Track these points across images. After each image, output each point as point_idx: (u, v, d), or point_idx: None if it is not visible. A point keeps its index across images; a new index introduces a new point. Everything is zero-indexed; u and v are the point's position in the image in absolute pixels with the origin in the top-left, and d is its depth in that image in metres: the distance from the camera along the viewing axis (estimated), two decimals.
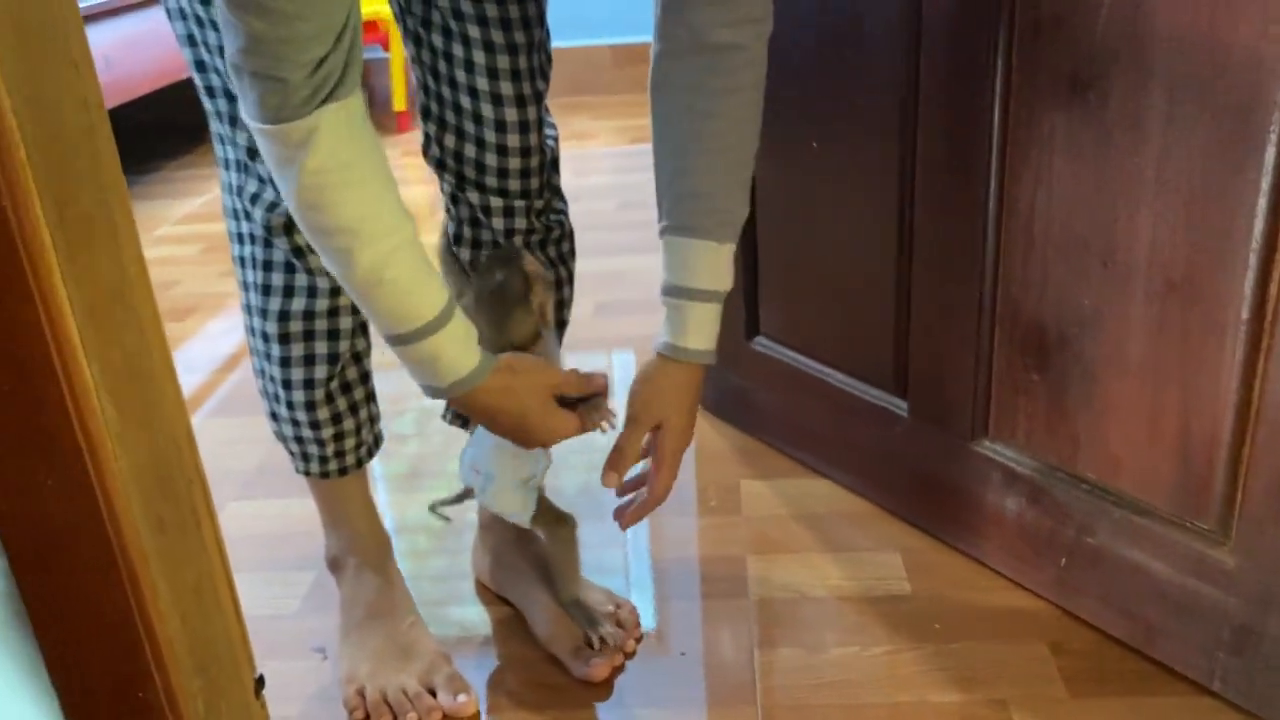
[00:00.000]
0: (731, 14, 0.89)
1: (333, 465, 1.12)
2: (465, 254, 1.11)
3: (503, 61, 1.01)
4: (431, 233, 1.14)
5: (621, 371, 1.83)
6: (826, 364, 1.41)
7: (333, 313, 1.03)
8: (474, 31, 0.99)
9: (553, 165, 1.11)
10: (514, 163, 1.05)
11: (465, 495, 1.14)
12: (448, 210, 1.12)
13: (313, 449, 1.10)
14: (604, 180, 2.82)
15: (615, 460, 0.98)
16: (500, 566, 1.24)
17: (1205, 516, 1.02)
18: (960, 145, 1.13)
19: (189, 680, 0.81)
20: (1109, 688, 1.08)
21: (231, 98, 0.93)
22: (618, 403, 1.01)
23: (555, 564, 1.13)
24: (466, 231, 1.11)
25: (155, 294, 0.79)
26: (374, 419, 1.14)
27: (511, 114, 1.03)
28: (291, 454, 1.12)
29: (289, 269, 1.01)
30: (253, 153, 0.95)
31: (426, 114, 1.06)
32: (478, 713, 1.10)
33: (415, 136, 2.10)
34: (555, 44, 1.11)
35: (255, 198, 0.98)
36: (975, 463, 1.23)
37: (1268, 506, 0.96)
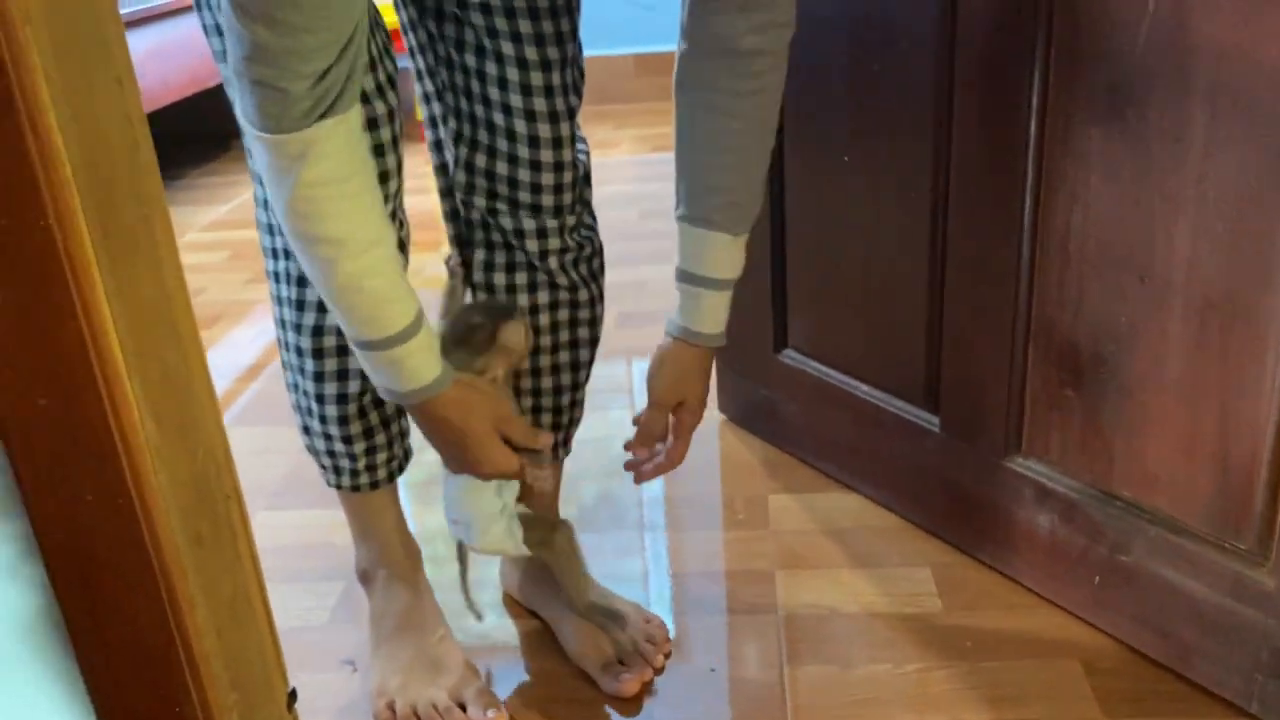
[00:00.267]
0: (756, 20, 0.91)
1: (364, 479, 1.12)
2: (500, 278, 1.10)
3: (536, 78, 1.01)
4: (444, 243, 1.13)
5: (641, 381, 1.82)
6: (856, 377, 1.40)
7: None
8: (508, 49, 0.99)
9: (584, 180, 1.11)
10: (547, 178, 1.05)
11: (463, 556, 1.14)
12: (470, 241, 1.11)
13: (344, 463, 1.10)
14: (626, 189, 2.82)
15: (643, 438, 1.08)
16: (530, 581, 1.23)
17: (1244, 536, 1.01)
18: (995, 159, 1.12)
19: (225, 695, 0.81)
20: (1144, 708, 1.07)
21: None
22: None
23: (561, 575, 1.12)
24: (499, 257, 1.10)
25: None
26: (405, 433, 1.14)
27: (545, 130, 1.03)
28: (323, 468, 1.12)
29: None
30: None
31: (458, 137, 1.05)
32: None
33: None
34: None
35: None
36: (1007, 479, 1.22)
37: None
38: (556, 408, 1.17)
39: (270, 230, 1.02)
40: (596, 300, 1.16)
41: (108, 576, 0.73)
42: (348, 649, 1.22)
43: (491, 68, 1.00)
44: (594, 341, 1.17)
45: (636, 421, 1.08)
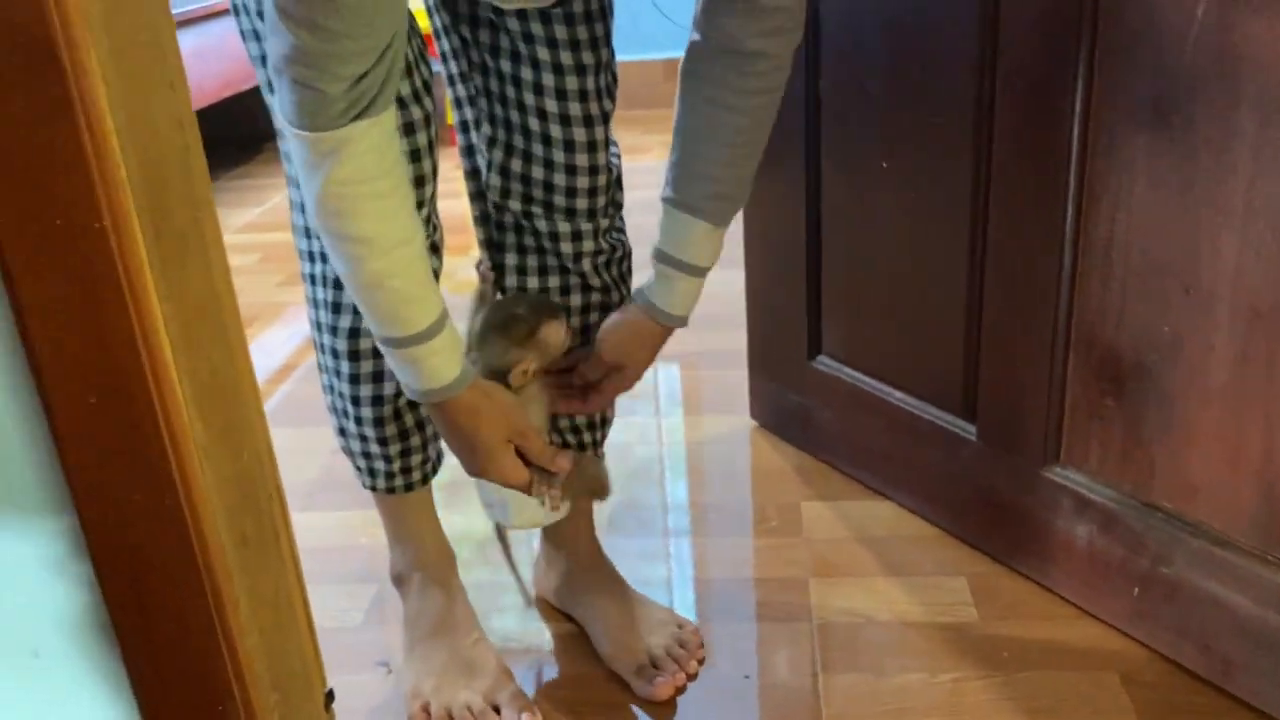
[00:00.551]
0: (765, 24, 0.92)
1: (399, 481, 1.12)
2: (534, 282, 1.11)
3: (571, 83, 1.01)
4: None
5: (666, 385, 1.82)
6: (891, 384, 1.40)
7: None
8: (544, 54, 1.00)
9: (616, 183, 1.11)
10: (582, 182, 1.05)
11: (503, 536, 1.14)
12: (502, 245, 1.12)
13: (379, 464, 1.10)
14: (654, 194, 2.81)
15: (576, 377, 1.08)
16: (568, 585, 1.23)
17: None
18: (1037, 167, 1.11)
19: (266, 695, 0.81)
20: None
21: None
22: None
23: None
24: (532, 261, 1.11)
25: None
26: (438, 435, 1.14)
27: (580, 134, 1.03)
28: (358, 469, 1.13)
29: None
30: None
31: (492, 142, 1.06)
32: None
33: None
34: None
35: None
36: (1046, 489, 1.21)
37: None
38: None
39: (306, 234, 1.03)
40: (626, 302, 1.16)
41: (155, 575, 0.74)
42: (382, 650, 1.23)
43: (527, 73, 1.01)
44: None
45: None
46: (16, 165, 0.63)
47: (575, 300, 1.11)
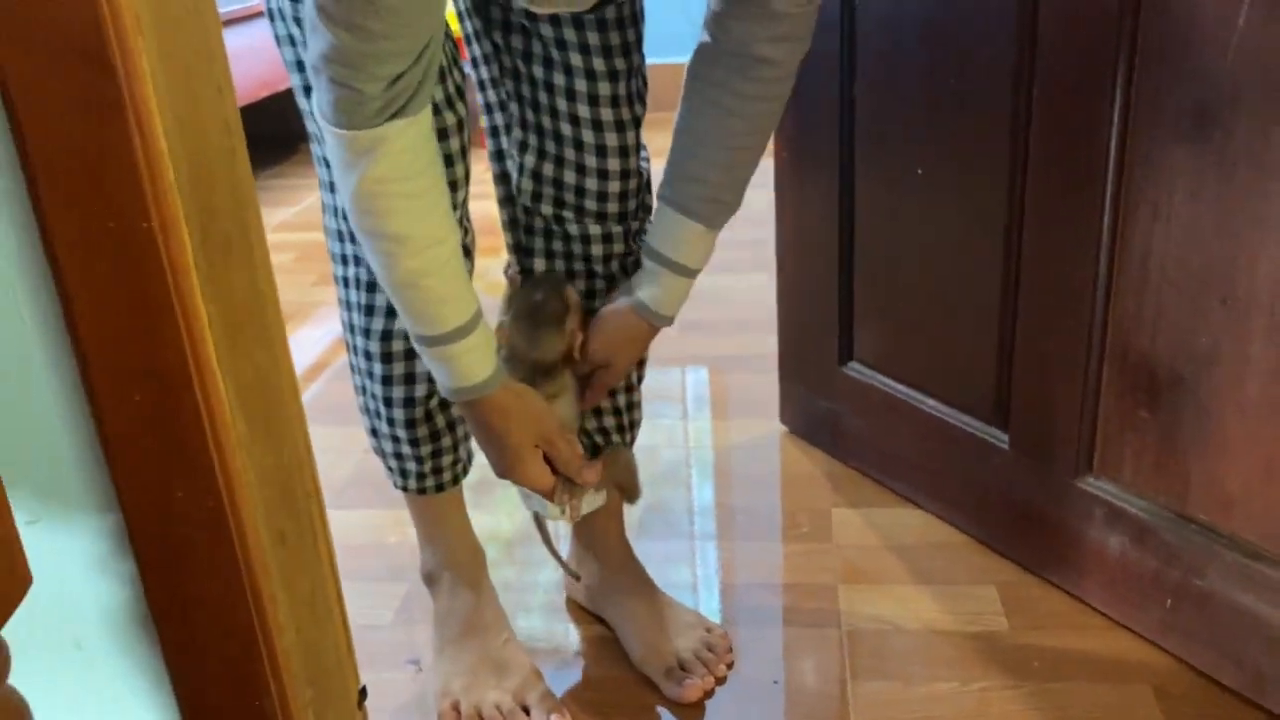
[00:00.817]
0: (774, 30, 0.93)
1: (430, 482, 1.13)
2: (579, 285, 1.11)
3: (604, 88, 1.02)
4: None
5: (695, 389, 1.83)
6: (923, 392, 1.39)
7: None
8: (576, 60, 1.01)
9: (646, 187, 1.12)
10: (614, 186, 1.06)
11: (540, 524, 1.15)
12: (530, 249, 1.13)
13: (411, 465, 1.11)
14: None
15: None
16: (598, 586, 1.24)
17: None
18: (1073, 176, 1.11)
19: (302, 691, 0.82)
20: None
21: None
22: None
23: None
24: (559, 265, 1.12)
25: None
26: (469, 436, 1.15)
27: (612, 139, 1.04)
28: (390, 470, 1.14)
29: None
30: None
31: (524, 147, 1.07)
32: None
33: None
34: None
35: None
36: (1078, 499, 1.20)
37: None
38: (615, 408, 1.18)
39: (339, 237, 1.04)
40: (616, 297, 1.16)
41: (195, 572, 0.75)
42: (412, 648, 1.24)
43: (559, 79, 1.02)
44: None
45: None
46: (69, 167, 0.64)
47: (600, 303, 1.12)
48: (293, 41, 0.95)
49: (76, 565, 0.78)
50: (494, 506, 1.47)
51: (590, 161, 1.05)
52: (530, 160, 1.07)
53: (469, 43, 1.08)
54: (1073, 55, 1.08)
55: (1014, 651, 1.18)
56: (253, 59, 2.86)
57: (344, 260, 1.05)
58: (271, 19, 0.97)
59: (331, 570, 0.89)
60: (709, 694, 1.14)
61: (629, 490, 1.19)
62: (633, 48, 1.03)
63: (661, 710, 1.14)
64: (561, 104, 1.03)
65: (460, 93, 0.99)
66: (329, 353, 2.08)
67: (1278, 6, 0.90)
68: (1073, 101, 1.09)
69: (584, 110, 1.03)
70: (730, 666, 1.18)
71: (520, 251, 1.13)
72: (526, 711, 1.10)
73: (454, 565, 1.17)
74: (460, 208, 1.01)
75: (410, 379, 1.06)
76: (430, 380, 1.07)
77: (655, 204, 1.03)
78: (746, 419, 1.70)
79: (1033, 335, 1.21)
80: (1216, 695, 1.10)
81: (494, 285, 1.16)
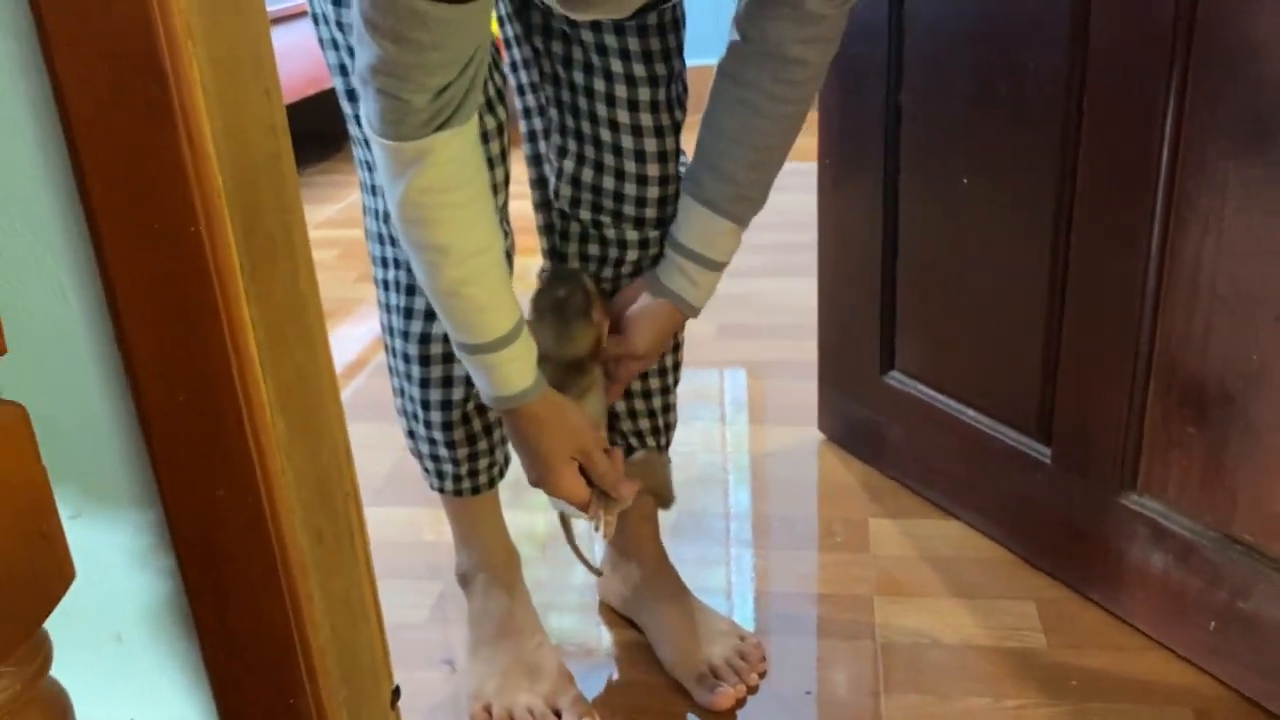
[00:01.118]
0: (807, 32, 0.93)
1: (466, 484, 1.14)
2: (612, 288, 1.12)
3: (644, 94, 1.02)
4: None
5: (733, 393, 1.82)
6: (964, 403, 1.38)
7: None
8: (616, 66, 1.01)
9: None
10: (653, 191, 1.06)
11: (565, 523, 1.15)
12: (564, 254, 1.13)
13: (447, 467, 1.12)
14: None
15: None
16: (632, 591, 1.24)
17: None
18: (1124, 186, 1.09)
19: (336, 689, 0.83)
20: None
21: None
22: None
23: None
24: (593, 269, 1.12)
25: None
26: (505, 439, 1.15)
27: (651, 145, 1.04)
28: (426, 471, 1.15)
29: None
30: None
31: (563, 152, 1.07)
32: None
33: None
34: None
35: None
36: (1121, 516, 1.18)
37: None
38: (650, 410, 1.18)
39: (380, 240, 1.04)
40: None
41: (234, 569, 0.76)
42: (446, 648, 1.24)
43: (600, 84, 1.02)
44: (678, 347, 1.19)
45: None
46: (118, 169, 0.65)
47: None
48: (335, 45, 0.96)
49: (118, 560, 0.79)
50: (530, 506, 1.47)
51: (629, 167, 1.05)
52: (569, 165, 1.07)
53: (508, 47, 1.08)
54: (1125, 63, 1.06)
55: (1051, 669, 1.16)
56: (301, 56, 2.89)
57: (384, 263, 1.06)
58: (315, 22, 0.98)
59: (368, 570, 0.90)
60: (741, 702, 1.14)
61: (662, 495, 1.19)
62: (673, 53, 1.03)
63: (693, 717, 1.13)
64: (601, 109, 1.03)
65: (500, 96, 0.99)
66: (370, 349, 2.10)
67: None
68: (1124, 111, 1.07)
69: (624, 116, 1.03)
70: (763, 675, 1.17)
71: (555, 256, 1.13)
72: (558, 715, 1.10)
73: (489, 567, 1.18)
74: (500, 211, 1.01)
75: (448, 382, 1.07)
76: (468, 383, 1.07)
77: (681, 198, 1.03)
78: (785, 426, 1.70)
79: (1078, 348, 1.19)
80: None
81: (533, 287, 1.16)
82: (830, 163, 1.48)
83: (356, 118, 0.99)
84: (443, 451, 1.10)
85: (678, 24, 1.03)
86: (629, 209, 1.07)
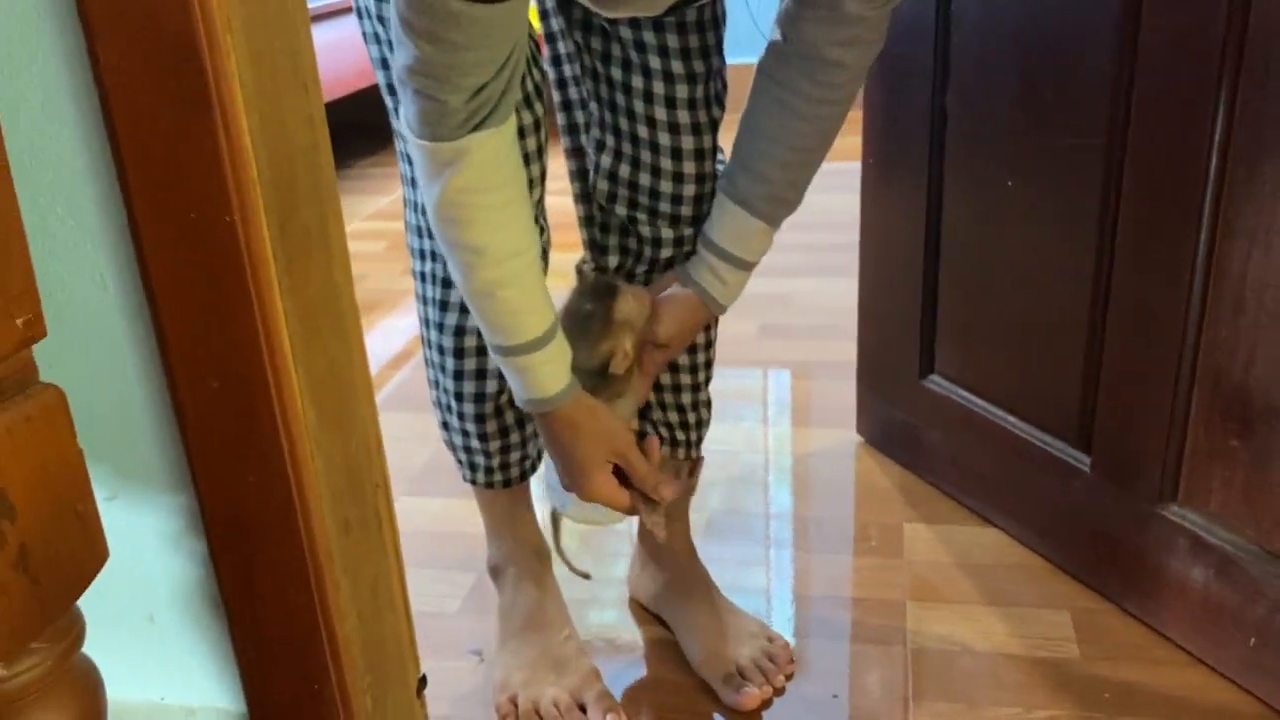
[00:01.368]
0: (846, 34, 0.92)
1: (498, 477, 1.14)
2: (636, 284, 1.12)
3: (681, 91, 1.02)
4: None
5: (776, 393, 1.81)
6: (1004, 409, 1.36)
7: None
8: (655, 62, 1.00)
9: None
10: (688, 189, 1.06)
11: (556, 522, 1.15)
12: (605, 247, 1.13)
13: (479, 460, 1.13)
14: None
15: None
16: (661, 588, 1.24)
17: None
18: (1170, 195, 1.07)
19: (360, 677, 0.84)
20: None
21: None
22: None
23: None
24: (630, 263, 1.12)
25: None
26: (537, 434, 1.16)
27: (688, 142, 1.04)
28: (459, 463, 1.16)
29: None
30: None
31: (600, 147, 1.07)
32: None
33: None
34: None
35: None
36: (1160, 527, 1.16)
37: None
38: (679, 405, 1.17)
39: (418, 232, 1.05)
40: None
41: (263, 555, 0.77)
42: (476, 639, 1.25)
43: (638, 81, 1.02)
44: (709, 344, 1.18)
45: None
46: (156, 160, 0.67)
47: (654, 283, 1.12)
48: (378, 39, 0.97)
49: (152, 541, 0.80)
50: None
51: (665, 164, 1.05)
52: (606, 161, 1.07)
53: (550, 41, 1.09)
54: (1174, 70, 1.04)
55: (1084, 681, 1.14)
56: (350, 49, 2.92)
57: (421, 255, 1.07)
58: (359, 16, 0.99)
59: (396, 560, 0.91)
60: (767, 703, 1.13)
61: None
62: (712, 50, 1.02)
63: (718, 717, 1.13)
64: (639, 106, 1.03)
65: (539, 91, 1.00)
66: (415, 342, 2.12)
67: None
68: (1172, 118, 1.05)
69: (661, 113, 1.02)
70: (790, 677, 1.17)
71: (595, 248, 1.14)
72: (583, 710, 1.10)
73: (518, 560, 1.19)
74: (536, 206, 1.02)
75: (481, 375, 1.07)
76: (501, 376, 1.08)
77: (716, 196, 1.02)
78: (824, 428, 1.69)
79: (1120, 356, 1.17)
80: None
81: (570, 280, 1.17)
82: (874, 163, 1.47)
83: (397, 110, 1.00)
84: (475, 444, 1.11)
85: (718, 21, 1.03)
86: (664, 206, 1.07)
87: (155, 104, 0.65)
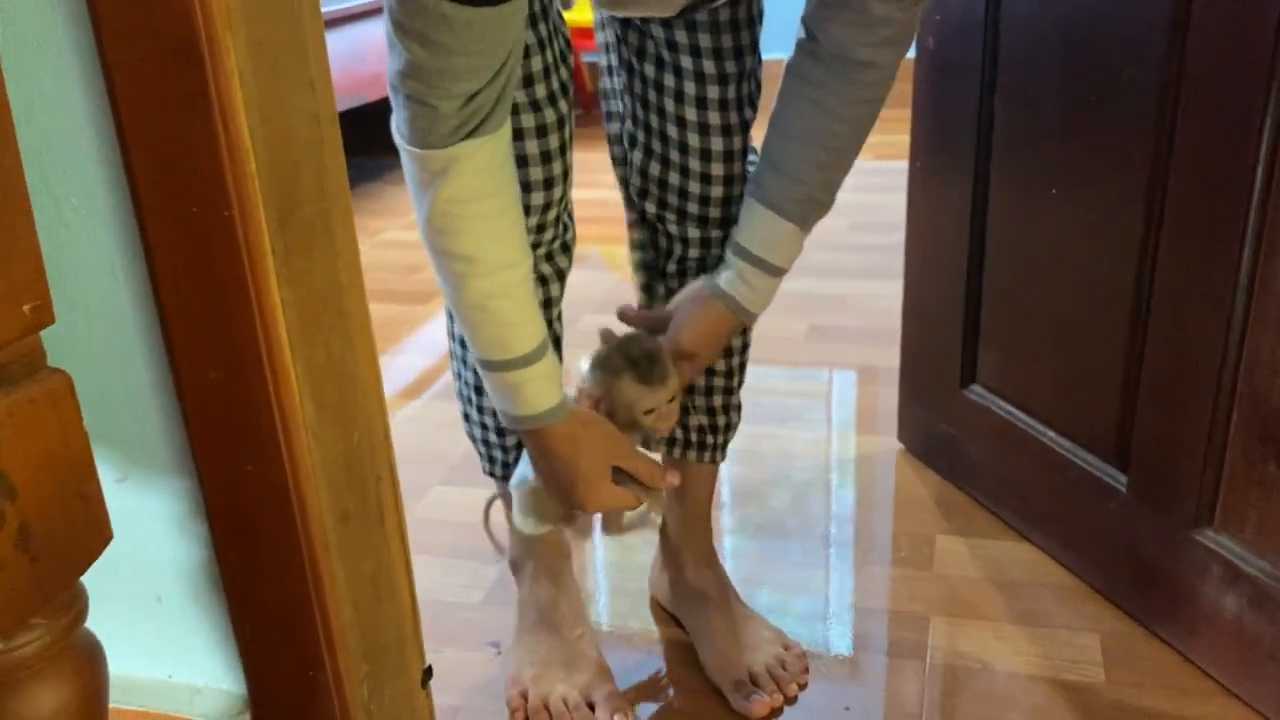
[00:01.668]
0: (874, 35, 0.90)
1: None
2: (674, 284, 1.11)
3: (712, 91, 1.01)
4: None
5: (818, 396, 1.79)
6: (1043, 422, 1.33)
7: None
8: (686, 62, 1.00)
9: None
10: (716, 191, 1.05)
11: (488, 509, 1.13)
12: (644, 243, 1.13)
13: (498, 454, 1.14)
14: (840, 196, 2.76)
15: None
16: (678, 590, 1.24)
17: None
18: (1215, 207, 1.03)
19: (357, 665, 0.85)
20: None
21: None
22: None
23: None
24: (663, 262, 1.12)
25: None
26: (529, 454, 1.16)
27: (718, 144, 1.03)
28: (480, 455, 1.17)
29: None
30: None
31: (633, 142, 1.07)
32: None
33: None
34: None
35: None
36: (1195, 553, 1.12)
37: None
38: (710, 408, 1.17)
39: None
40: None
41: (261, 543, 0.79)
42: (495, 631, 1.26)
43: (669, 80, 1.01)
44: (745, 347, 1.17)
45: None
46: (159, 155, 0.68)
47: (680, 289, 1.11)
48: None
49: (160, 523, 0.83)
50: None
51: (694, 165, 1.04)
52: (638, 157, 1.07)
53: (597, 29, 1.09)
54: (1223, 78, 1.00)
55: (1108, 707, 1.11)
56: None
57: None
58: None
59: (401, 551, 0.92)
60: (777, 712, 1.12)
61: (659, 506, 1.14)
62: (746, 50, 1.01)
63: None
64: (669, 105, 1.02)
65: (565, 90, 0.99)
66: None
67: None
68: (1218, 128, 1.01)
69: (691, 113, 1.02)
70: (803, 687, 1.15)
71: (637, 227, 1.13)
72: (591, 708, 1.10)
73: (537, 555, 1.19)
74: (558, 205, 1.02)
75: None
76: None
77: (745, 200, 1.00)
78: (866, 434, 1.66)
79: (1159, 374, 1.13)
80: None
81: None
82: (920, 165, 1.44)
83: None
84: (493, 437, 1.12)
85: (753, 20, 1.01)
86: (692, 207, 1.06)
87: (157, 99, 0.67)
